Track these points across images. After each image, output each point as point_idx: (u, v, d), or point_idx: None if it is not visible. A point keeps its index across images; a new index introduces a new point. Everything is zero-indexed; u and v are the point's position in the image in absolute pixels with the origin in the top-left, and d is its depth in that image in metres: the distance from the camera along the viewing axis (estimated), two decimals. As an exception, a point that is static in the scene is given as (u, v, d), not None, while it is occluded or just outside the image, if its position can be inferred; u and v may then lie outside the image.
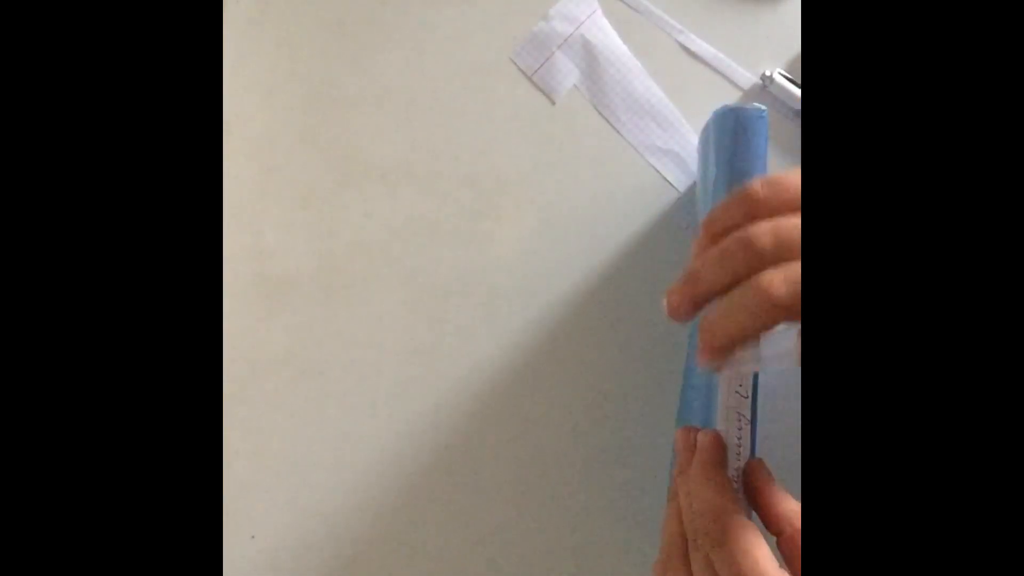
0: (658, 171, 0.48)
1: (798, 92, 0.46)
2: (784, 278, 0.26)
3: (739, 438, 0.34)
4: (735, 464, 0.33)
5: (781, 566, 0.28)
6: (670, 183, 0.47)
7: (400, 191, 0.48)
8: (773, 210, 0.28)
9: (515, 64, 0.48)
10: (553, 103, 0.48)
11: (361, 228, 0.48)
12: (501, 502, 0.46)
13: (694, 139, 0.47)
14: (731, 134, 0.36)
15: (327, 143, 0.48)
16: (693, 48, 0.48)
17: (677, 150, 0.47)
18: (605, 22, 0.48)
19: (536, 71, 0.48)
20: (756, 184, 0.29)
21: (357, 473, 0.46)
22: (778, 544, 0.31)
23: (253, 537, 0.46)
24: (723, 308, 0.28)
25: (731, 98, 0.48)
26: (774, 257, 0.27)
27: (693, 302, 0.29)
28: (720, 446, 0.33)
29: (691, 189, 0.47)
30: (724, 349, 0.28)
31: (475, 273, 0.48)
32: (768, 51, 0.48)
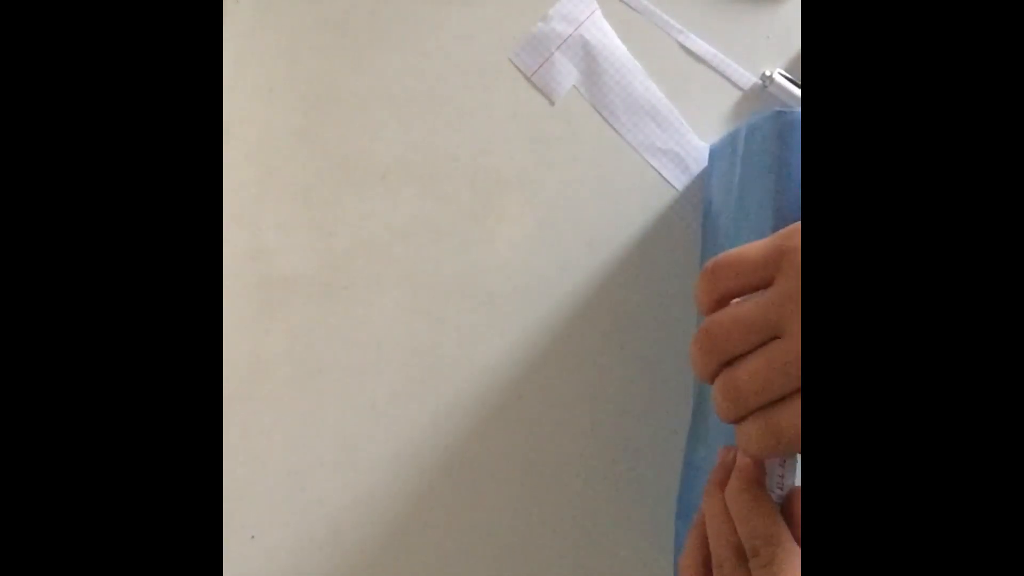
0: (657, 171, 0.48)
1: (798, 92, 0.46)
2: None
3: (782, 463, 0.33)
4: (777, 472, 0.32)
5: None
6: (669, 183, 0.48)
7: (400, 191, 0.48)
8: (724, 291, 0.30)
9: (514, 65, 0.48)
10: (552, 104, 0.48)
11: (361, 228, 0.48)
12: (502, 503, 0.46)
13: (693, 139, 0.47)
14: (776, 138, 0.36)
15: (327, 143, 0.48)
16: (693, 48, 0.48)
17: (676, 150, 0.47)
18: (604, 23, 0.48)
19: (535, 72, 0.48)
20: (706, 266, 0.30)
21: (357, 473, 0.46)
22: None
23: (253, 537, 0.46)
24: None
25: (731, 98, 0.48)
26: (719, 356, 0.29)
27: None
28: (761, 467, 0.32)
29: (690, 189, 0.47)
30: None
31: (475, 273, 0.48)
32: (768, 51, 0.48)
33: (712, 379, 0.30)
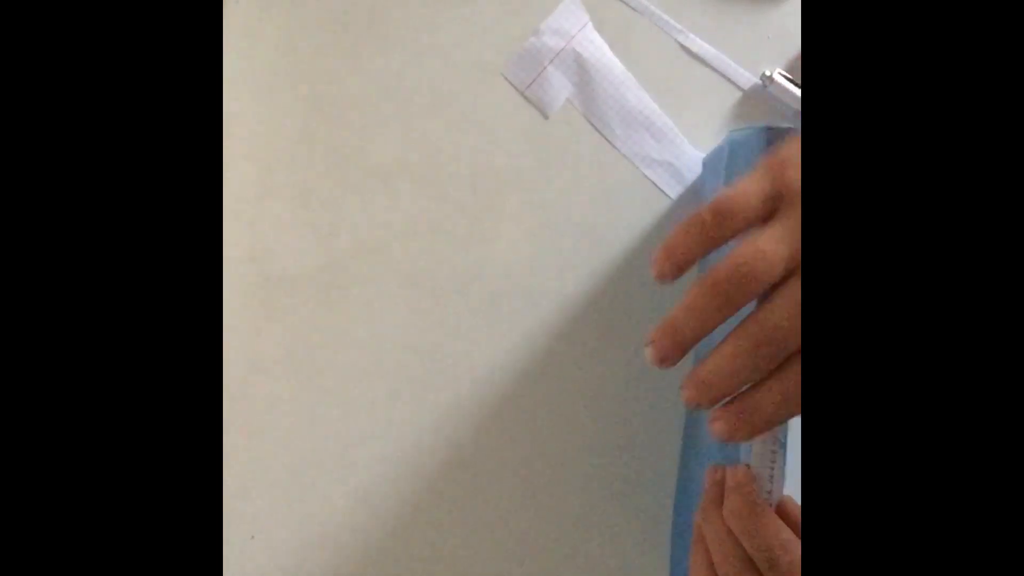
0: (652, 181, 0.48)
1: (798, 92, 0.46)
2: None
3: (772, 462, 0.33)
4: (767, 487, 0.32)
5: None
6: (664, 193, 0.48)
7: (400, 191, 0.48)
8: (723, 237, 0.29)
9: (507, 80, 0.48)
10: (546, 117, 0.48)
11: (361, 228, 0.48)
12: (501, 503, 0.46)
13: (688, 149, 0.47)
14: (764, 154, 0.35)
15: (327, 143, 0.48)
16: (693, 48, 0.48)
17: (671, 160, 0.47)
18: (596, 35, 0.48)
19: (529, 86, 0.48)
20: (703, 213, 0.29)
21: (357, 473, 0.47)
22: None
23: (253, 537, 0.46)
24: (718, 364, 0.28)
25: (731, 98, 0.48)
26: (743, 296, 0.27)
27: (679, 348, 0.29)
28: (753, 478, 0.32)
29: (684, 198, 0.47)
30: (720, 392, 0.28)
31: (475, 273, 0.48)
32: (768, 51, 0.48)
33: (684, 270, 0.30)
